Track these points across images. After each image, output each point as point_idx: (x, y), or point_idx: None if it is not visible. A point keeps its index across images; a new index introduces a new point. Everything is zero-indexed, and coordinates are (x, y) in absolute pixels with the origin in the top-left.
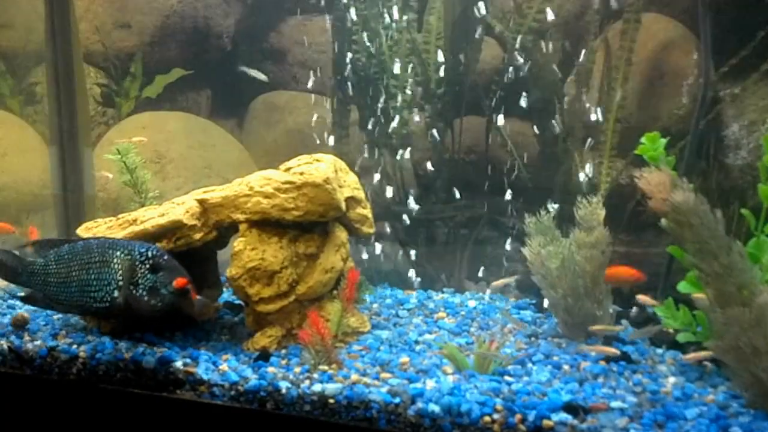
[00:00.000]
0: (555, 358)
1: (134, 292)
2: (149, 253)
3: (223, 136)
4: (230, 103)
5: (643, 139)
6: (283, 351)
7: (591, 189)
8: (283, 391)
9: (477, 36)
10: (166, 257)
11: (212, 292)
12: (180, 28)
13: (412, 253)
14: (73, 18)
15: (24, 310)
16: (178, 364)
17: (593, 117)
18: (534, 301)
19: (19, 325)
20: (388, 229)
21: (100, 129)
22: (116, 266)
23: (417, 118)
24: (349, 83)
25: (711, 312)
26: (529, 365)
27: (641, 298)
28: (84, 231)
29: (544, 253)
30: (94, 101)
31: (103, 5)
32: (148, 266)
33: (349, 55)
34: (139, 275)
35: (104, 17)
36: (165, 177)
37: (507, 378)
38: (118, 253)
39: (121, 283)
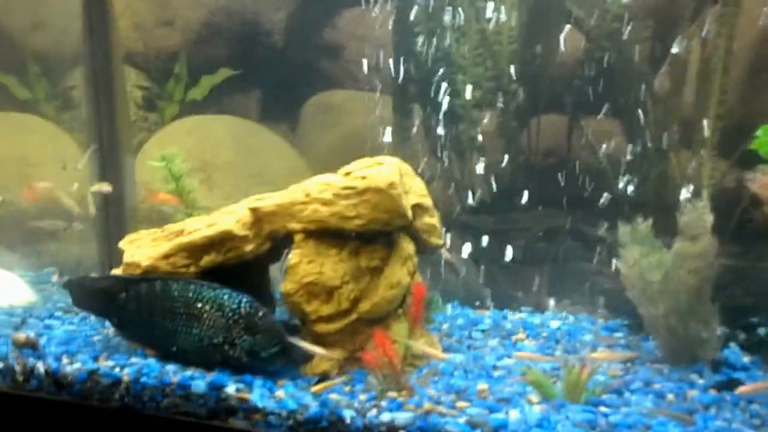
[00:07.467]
0: (656, 386)
1: (231, 353)
2: (242, 311)
3: (274, 141)
4: (282, 105)
5: (758, 132)
6: (345, 376)
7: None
8: (348, 420)
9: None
10: (261, 314)
11: None
12: (227, 25)
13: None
14: (112, 15)
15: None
16: (230, 389)
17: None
18: (626, 322)
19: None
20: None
21: (142, 135)
22: (206, 323)
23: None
24: (411, 80)
25: None
26: (627, 394)
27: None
28: (127, 244)
29: (644, 264)
30: (134, 105)
31: (143, 1)
32: (242, 326)
33: (412, 49)
34: (235, 335)
35: (145, 14)
36: (212, 186)
37: (602, 408)
38: (207, 307)
39: (215, 341)
